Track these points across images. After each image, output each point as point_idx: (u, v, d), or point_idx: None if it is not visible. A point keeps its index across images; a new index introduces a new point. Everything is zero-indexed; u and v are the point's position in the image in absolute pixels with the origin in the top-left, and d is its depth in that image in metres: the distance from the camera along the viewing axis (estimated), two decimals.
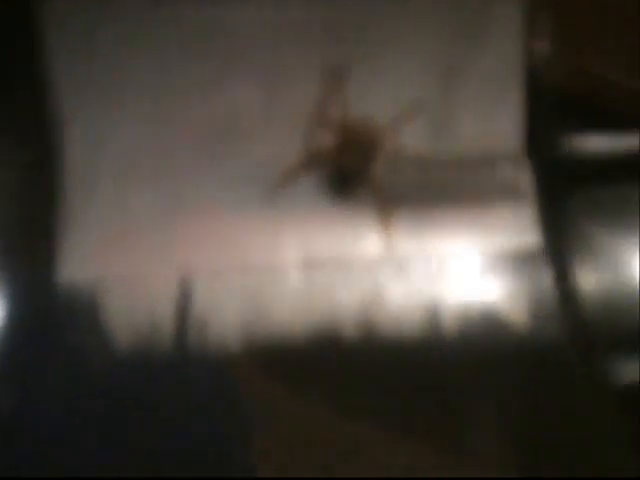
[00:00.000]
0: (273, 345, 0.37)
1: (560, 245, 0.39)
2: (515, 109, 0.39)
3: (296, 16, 0.37)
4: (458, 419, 0.37)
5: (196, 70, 0.37)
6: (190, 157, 0.37)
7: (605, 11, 0.39)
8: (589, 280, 0.39)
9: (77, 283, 0.37)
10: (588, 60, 0.39)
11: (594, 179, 0.40)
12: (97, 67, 0.36)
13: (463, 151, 0.39)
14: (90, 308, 0.37)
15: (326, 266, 0.37)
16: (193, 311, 0.37)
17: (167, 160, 0.37)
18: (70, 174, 0.37)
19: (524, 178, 0.39)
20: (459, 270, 0.38)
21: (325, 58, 0.37)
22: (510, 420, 0.37)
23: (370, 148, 0.37)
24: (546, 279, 0.39)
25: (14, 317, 0.37)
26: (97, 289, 0.37)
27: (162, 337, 0.37)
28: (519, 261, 0.39)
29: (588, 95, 0.39)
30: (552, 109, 0.39)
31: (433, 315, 0.37)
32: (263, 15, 0.37)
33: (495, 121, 0.39)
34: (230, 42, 0.37)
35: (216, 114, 0.37)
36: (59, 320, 0.37)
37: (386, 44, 0.38)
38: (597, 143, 0.40)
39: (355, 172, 0.37)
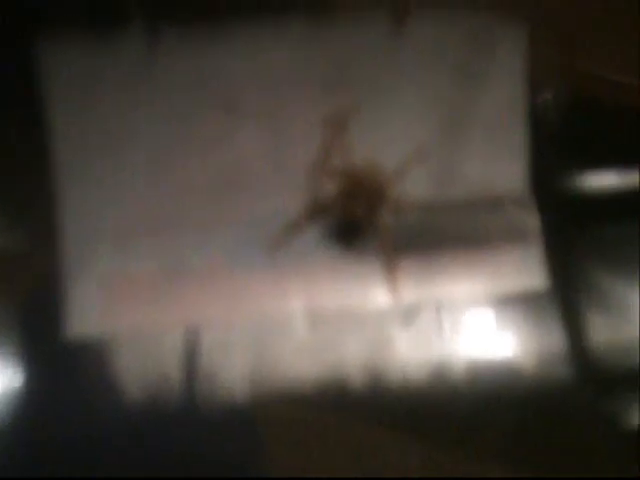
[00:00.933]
0: (280, 396, 0.37)
1: (567, 287, 0.39)
2: (519, 151, 0.39)
3: (298, 65, 0.37)
4: (468, 466, 0.37)
5: (197, 122, 0.36)
6: (194, 210, 0.37)
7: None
8: (596, 321, 0.39)
9: (86, 339, 0.37)
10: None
11: (599, 219, 0.40)
12: (97, 121, 0.36)
13: (469, 195, 0.38)
14: (99, 363, 0.37)
15: (332, 317, 0.37)
16: (200, 364, 0.37)
17: (172, 215, 0.36)
18: (73, 232, 0.37)
19: (530, 220, 0.39)
20: (467, 316, 0.38)
21: (328, 106, 0.37)
22: (521, 466, 0.37)
23: (375, 195, 0.37)
24: (554, 321, 0.39)
25: (25, 374, 0.37)
26: (106, 345, 0.37)
27: (171, 389, 0.37)
28: (527, 304, 0.39)
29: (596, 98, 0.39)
30: (556, 149, 0.39)
31: (441, 364, 0.37)
32: (264, 64, 0.37)
33: (500, 164, 0.39)
34: (231, 92, 0.36)
35: (219, 166, 0.36)
36: (69, 376, 0.37)
37: (389, 89, 0.38)
38: (601, 182, 0.40)
39: (360, 220, 0.37)
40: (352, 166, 0.37)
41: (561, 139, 0.39)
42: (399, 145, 0.38)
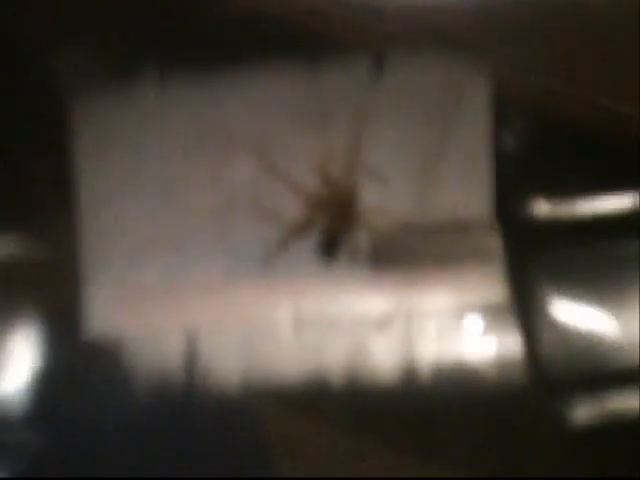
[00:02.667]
0: (269, 390, 0.42)
1: (524, 301, 0.44)
2: (486, 180, 0.44)
3: (292, 106, 0.42)
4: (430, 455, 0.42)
5: (201, 156, 0.42)
6: (194, 231, 0.42)
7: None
8: (548, 332, 0.44)
9: (99, 341, 0.42)
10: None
11: (554, 242, 0.45)
12: (114, 156, 0.42)
13: (439, 219, 0.43)
14: (110, 361, 0.42)
15: (315, 324, 0.42)
16: (199, 363, 0.42)
17: (177, 234, 0.42)
18: (91, 247, 0.42)
19: (493, 242, 0.44)
20: (435, 326, 0.43)
21: (318, 142, 0.42)
22: (481, 459, 0.43)
23: (344, 207, 0.42)
24: (512, 332, 0.44)
25: (42, 369, 0.42)
26: (116, 346, 0.42)
27: (172, 385, 0.42)
28: (489, 316, 0.44)
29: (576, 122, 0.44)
30: (519, 178, 0.44)
31: (410, 369, 0.42)
32: (261, 104, 0.42)
33: (468, 192, 0.44)
34: (231, 128, 0.42)
35: (219, 194, 0.42)
36: (83, 372, 0.42)
37: (371, 127, 0.43)
38: (559, 208, 0.45)
39: (335, 232, 0.42)
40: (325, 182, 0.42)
41: (523, 168, 0.44)
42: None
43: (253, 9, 0.42)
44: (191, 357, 0.42)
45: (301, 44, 0.42)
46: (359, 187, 0.42)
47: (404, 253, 0.43)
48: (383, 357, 0.42)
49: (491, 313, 0.44)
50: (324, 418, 0.42)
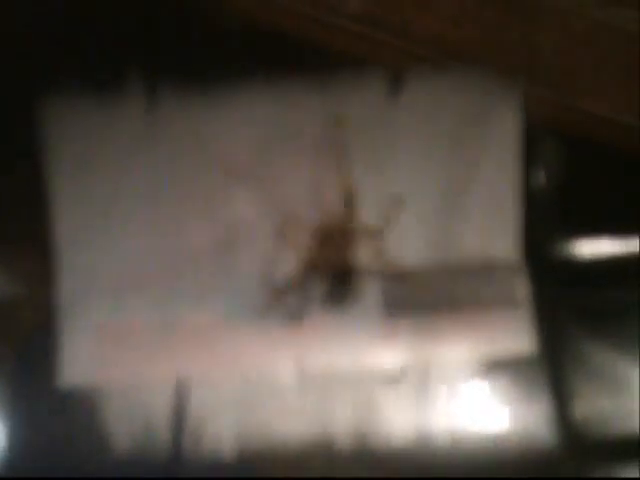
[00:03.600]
0: (266, 455, 0.37)
1: (554, 353, 0.39)
2: (512, 218, 0.39)
3: (294, 128, 0.38)
4: None
5: (194, 183, 0.37)
6: (187, 269, 0.37)
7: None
8: (581, 388, 0.39)
9: (77, 388, 0.37)
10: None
11: (588, 286, 0.40)
12: (97, 179, 0.37)
13: (462, 259, 0.39)
14: (89, 413, 0.37)
15: (320, 378, 0.37)
16: (189, 418, 0.37)
17: (168, 272, 0.37)
18: (69, 282, 0.37)
19: (521, 287, 0.39)
20: (454, 380, 0.38)
21: (324, 169, 0.37)
22: None
23: (345, 243, 0.37)
24: (540, 387, 0.39)
25: (14, 420, 0.38)
26: (96, 394, 0.37)
27: (158, 442, 0.37)
28: (514, 369, 0.39)
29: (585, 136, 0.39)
30: (548, 218, 0.40)
31: (425, 429, 0.37)
32: (260, 126, 0.37)
33: (493, 230, 0.39)
34: (228, 154, 0.37)
35: (215, 227, 0.37)
36: (59, 423, 0.38)
37: (385, 152, 0.38)
38: (591, 250, 0.40)
39: (340, 271, 0.37)
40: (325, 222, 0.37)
41: (553, 207, 0.40)
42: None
43: (259, 22, 0.38)
44: (179, 412, 0.37)
45: (311, 60, 0.38)
46: (358, 226, 0.37)
47: (424, 298, 0.39)
48: (395, 417, 0.38)
49: (517, 366, 0.39)
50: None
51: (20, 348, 0.39)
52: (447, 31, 0.39)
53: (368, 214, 0.38)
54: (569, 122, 0.40)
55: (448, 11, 0.38)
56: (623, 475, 0.38)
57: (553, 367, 0.39)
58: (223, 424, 0.37)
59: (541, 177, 0.40)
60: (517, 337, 0.39)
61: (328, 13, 0.38)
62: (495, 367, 0.39)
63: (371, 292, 0.38)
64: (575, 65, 0.39)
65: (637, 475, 0.37)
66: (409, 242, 0.38)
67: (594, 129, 0.40)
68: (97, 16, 0.37)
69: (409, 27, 0.38)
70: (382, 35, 0.38)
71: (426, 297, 0.39)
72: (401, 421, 0.38)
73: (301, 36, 0.38)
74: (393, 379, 0.38)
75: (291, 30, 0.38)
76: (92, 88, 0.36)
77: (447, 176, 0.39)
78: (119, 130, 0.37)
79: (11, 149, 0.37)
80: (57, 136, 0.37)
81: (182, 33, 0.38)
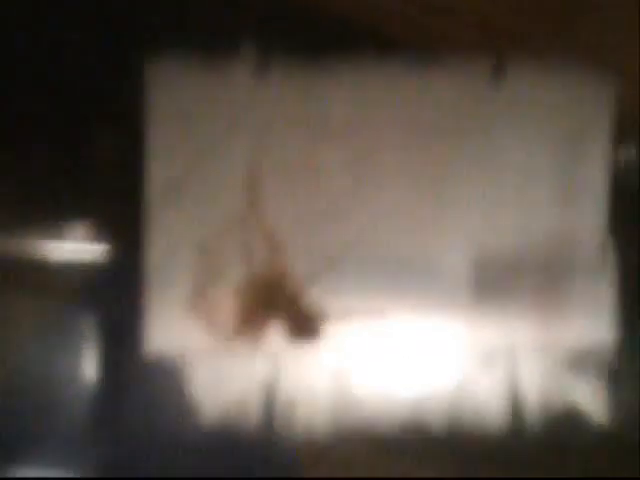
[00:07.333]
0: (360, 431, 0.37)
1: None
2: (598, 199, 0.39)
3: (396, 106, 0.38)
4: None
5: (295, 152, 0.37)
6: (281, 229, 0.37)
7: None
8: None
9: (165, 355, 0.37)
10: None
11: None
12: (195, 141, 0.37)
13: (548, 241, 0.39)
14: (175, 382, 0.37)
15: (411, 360, 0.38)
16: (281, 390, 0.37)
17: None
18: (159, 247, 0.37)
19: (606, 269, 0.39)
20: (540, 361, 0.39)
21: (423, 151, 0.38)
22: None
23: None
24: (625, 373, 0.39)
25: (106, 389, 0.37)
26: (185, 362, 0.37)
27: (246, 414, 0.37)
28: (597, 354, 0.39)
29: None
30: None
31: (513, 407, 0.38)
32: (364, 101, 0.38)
33: (579, 211, 0.39)
34: (330, 125, 0.37)
35: (308, 198, 0.37)
36: (148, 392, 0.37)
37: (486, 139, 0.38)
38: None
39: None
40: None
41: None
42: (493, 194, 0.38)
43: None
44: (270, 385, 0.37)
45: (413, 43, 0.38)
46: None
47: (508, 281, 0.39)
48: (485, 400, 0.38)
49: (601, 351, 0.39)
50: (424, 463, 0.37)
51: (106, 315, 0.38)
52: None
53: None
54: None
55: None
56: None
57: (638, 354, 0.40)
58: (316, 401, 0.37)
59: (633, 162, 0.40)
60: (601, 323, 0.39)
61: None
62: (579, 354, 0.39)
63: (459, 276, 0.38)
64: None
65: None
66: (503, 226, 0.38)
67: None
68: None
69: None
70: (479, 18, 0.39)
71: (511, 279, 0.39)
72: (491, 404, 0.38)
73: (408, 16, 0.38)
74: (481, 360, 0.38)
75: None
76: (201, 50, 0.36)
77: (549, 162, 0.39)
78: (225, 93, 0.37)
79: (114, 111, 0.37)
80: (161, 98, 0.36)
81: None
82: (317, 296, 0.37)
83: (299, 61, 0.37)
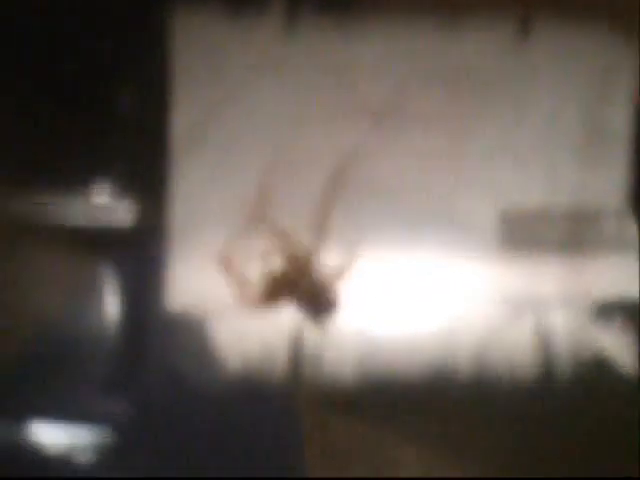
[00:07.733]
0: (387, 384, 0.36)
1: None
2: (622, 161, 0.39)
3: (423, 62, 0.38)
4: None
5: (320, 108, 0.37)
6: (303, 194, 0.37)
7: None
8: None
9: (190, 311, 0.36)
10: None
11: None
12: (220, 96, 0.37)
13: (571, 203, 0.39)
14: (202, 334, 0.36)
15: (439, 312, 0.37)
16: (308, 341, 0.37)
17: (280, 196, 0.37)
18: (183, 205, 0.37)
19: (629, 230, 0.39)
20: (567, 316, 0.39)
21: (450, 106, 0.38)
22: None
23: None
24: None
25: (127, 341, 0.37)
26: (210, 316, 0.36)
27: (272, 369, 0.37)
28: (622, 310, 0.39)
29: None
30: None
31: (545, 358, 0.37)
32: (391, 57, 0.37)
33: (601, 173, 0.39)
34: (355, 82, 0.37)
35: (333, 152, 0.37)
36: (169, 344, 0.37)
37: (513, 95, 0.38)
38: None
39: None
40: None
41: None
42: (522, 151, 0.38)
43: None
44: (296, 340, 0.36)
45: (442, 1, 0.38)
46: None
47: (535, 241, 0.39)
48: (514, 351, 0.38)
49: (625, 308, 0.39)
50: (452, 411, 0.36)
51: (132, 270, 0.37)
52: None
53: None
54: None
55: None
56: None
57: None
58: (343, 351, 0.37)
59: None
60: (629, 273, 0.39)
61: None
62: (607, 303, 0.39)
63: (487, 227, 0.38)
64: None
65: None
66: (530, 177, 0.38)
67: None
68: None
69: None
70: None
71: (542, 237, 0.39)
72: (520, 354, 0.37)
73: None
74: (511, 313, 0.38)
75: None
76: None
77: (576, 113, 0.39)
78: (253, 46, 0.37)
79: (135, 57, 0.37)
80: (187, 52, 0.36)
81: None
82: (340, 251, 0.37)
83: (329, 13, 0.37)
